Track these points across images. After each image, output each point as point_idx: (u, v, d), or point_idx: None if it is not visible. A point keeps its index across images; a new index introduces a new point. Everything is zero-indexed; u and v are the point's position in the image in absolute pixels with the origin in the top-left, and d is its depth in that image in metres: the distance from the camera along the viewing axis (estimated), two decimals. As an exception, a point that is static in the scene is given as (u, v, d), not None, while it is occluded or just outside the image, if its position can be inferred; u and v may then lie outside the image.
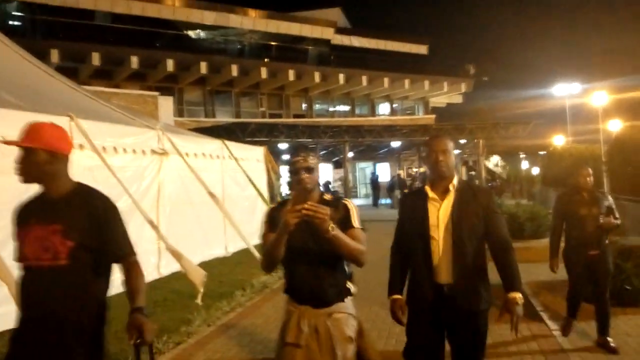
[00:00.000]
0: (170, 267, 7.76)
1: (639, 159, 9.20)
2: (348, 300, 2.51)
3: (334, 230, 2.22)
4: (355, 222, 2.44)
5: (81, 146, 6.41)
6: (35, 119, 5.95)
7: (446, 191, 2.68)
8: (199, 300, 6.03)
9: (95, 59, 27.01)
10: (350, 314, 2.48)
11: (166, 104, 21.33)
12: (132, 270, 2.23)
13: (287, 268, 2.51)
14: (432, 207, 2.69)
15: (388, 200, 26.77)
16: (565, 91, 29.91)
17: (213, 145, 10.17)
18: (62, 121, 6.29)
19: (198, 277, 6.19)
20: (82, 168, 6.45)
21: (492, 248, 2.67)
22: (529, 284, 6.70)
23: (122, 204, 7.00)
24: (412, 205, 2.78)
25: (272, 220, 2.45)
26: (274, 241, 2.31)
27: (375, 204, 27.01)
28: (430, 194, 2.72)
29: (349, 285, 2.52)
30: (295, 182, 2.43)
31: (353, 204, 2.54)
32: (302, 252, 2.40)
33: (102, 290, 2.27)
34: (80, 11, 28.03)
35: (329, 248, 2.32)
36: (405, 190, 25.15)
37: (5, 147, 4.76)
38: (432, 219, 2.66)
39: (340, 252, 2.33)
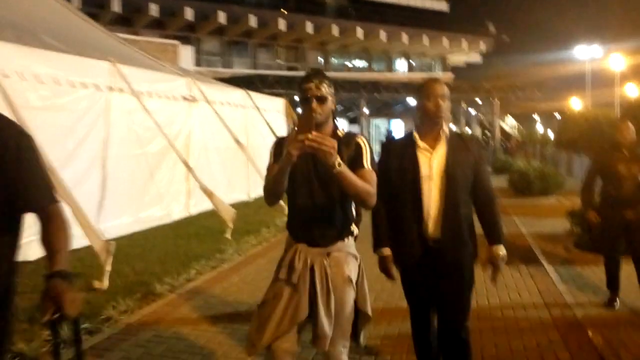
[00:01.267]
0: (199, 206, 8.32)
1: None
2: (349, 240, 2.29)
3: (341, 166, 1.98)
4: (367, 162, 2.19)
5: (121, 89, 6.85)
6: (79, 62, 6.39)
7: (437, 140, 2.51)
8: (228, 235, 6.58)
9: (115, 5, 27.13)
10: (350, 253, 2.28)
11: (186, 53, 21.51)
12: (51, 222, 1.71)
13: (289, 202, 2.30)
14: (422, 157, 2.51)
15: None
16: (585, 54, 29.58)
17: (237, 94, 10.57)
18: (103, 65, 6.74)
19: (228, 214, 6.73)
20: (120, 110, 6.94)
21: (478, 200, 2.56)
22: (532, 234, 7.17)
23: (156, 146, 7.54)
24: (399, 154, 2.55)
25: (278, 152, 2.21)
26: (276, 173, 2.09)
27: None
28: (420, 142, 2.52)
29: (352, 227, 2.32)
30: (304, 111, 2.14)
31: (367, 142, 2.26)
32: (304, 187, 2.21)
33: (11, 248, 1.75)
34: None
35: (336, 186, 2.13)
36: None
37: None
38: (423, 170, 2.49)
39: (346, 191, 2.09)
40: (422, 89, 2.52)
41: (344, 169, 2.00)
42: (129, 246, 6.00)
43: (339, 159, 1.97)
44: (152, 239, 6.60)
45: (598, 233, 4.53)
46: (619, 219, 4.18)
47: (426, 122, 2.52)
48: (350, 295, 2.24)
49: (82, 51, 6.84)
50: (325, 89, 2.17)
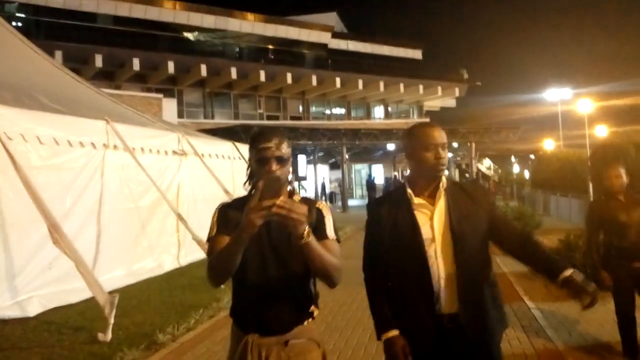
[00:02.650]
0: (189, 257, 8.50)
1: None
2: (309, 323, 1.95)
3: (309, 237, 1.71)
4: (330, 230, 1.93)
5: (115, 146, 7.14)
6: (77, 122, 6.68)
7: (434, 194, 2.11)
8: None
9: (98, 60, 27.67)
10: (312, 339, 1.96)
11: (170, 106, 22.02)
12: None
13: (234, 281, 1.92)
14: (421, 216, 2.08)
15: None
16: (556, 96, 30.84)
17: (225, 146, 10.91)
18: (99, 124, 7.05)
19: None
20: (115, 166, 7.21)
21: (514, 246, 2.15)
22: (513, 273, 7.50)
23: (148, 199, 7.78)
24: (392, 215, 2.12)
25: (225, 220, 1.91)
26: (231, 246, 1.74)
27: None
28: (416, 199, 2.11)
29: (312, 308, 1.98)
30: (266, 174, 1.85)
31: (328, 208, 2.01)
32: (256, 261, 1.86)
33: None
34: (83, 13, 28.79)
35: (295, 260, 1.84)
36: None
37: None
38: (425, 232, 2.06)
39: (312, 265, 1.80)
40: (415, 136, 2.12)
41: (312, 239, 1.73)
42: (125, 299, 6.11)
43: (307, 228, 1.71)
44: (146, 290, 6.74)
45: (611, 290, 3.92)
46: (628, 272, 3.77)
47: (423, 174, 2.12)
48: None
49: (78, 111, 7.15)
50: (286, 149, 1.93)
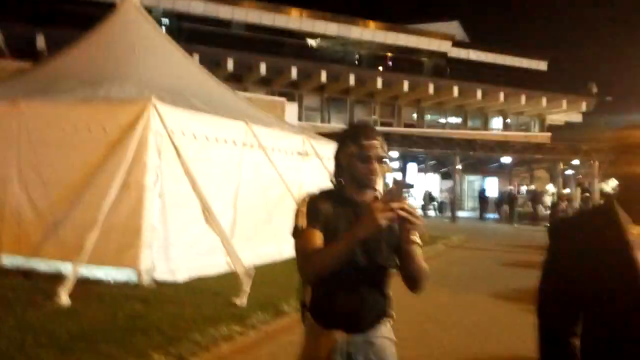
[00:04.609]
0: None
1: None
2: (388, 324, 1.98)
3: (417, 240, 1.78)
4: (417, 236, 1.87)
5: (252, 145, 8.20)
6: (222, 122, 7.77)
7: None
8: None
9: (230, 64, 30.08)
10: (391, 339, 1.97)
11: (291, 109, 23.48)
12: None
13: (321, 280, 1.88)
14: None
15: (494, 215, 27.38)
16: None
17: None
18: (239, 125, 8.14)
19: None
20: (250, 162, 8.26)
21: None
22: None
23: (276, 193, 8.76)
24: (591, 248, 1.49)
25: (315, 213, 1.87)
26: (346, 244, 1.74)
27: (481, 217, 27.49)
28: (635, 227, 1.46)
29: (390, 309, 2.00)
30: (362, 171, 1.88)
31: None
32: (349, 263, 1.81)
33: None
34: (219, 20, 31.54)
35: (382, 260, 1.88)
36: (518, 208, 25.38)
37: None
38: None
39: (409, 267, 1.85)
40: (621, 140, 1.53)
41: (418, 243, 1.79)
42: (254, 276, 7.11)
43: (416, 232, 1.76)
44: (270, 271, 7.69)
45: None
46: None
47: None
48: None
49: (222, 112, 8.29)
50: (386, 150, 1.94)
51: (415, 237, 1.85)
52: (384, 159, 1.92)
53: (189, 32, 29.76)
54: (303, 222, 1.88)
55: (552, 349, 1.58)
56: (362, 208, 1.84)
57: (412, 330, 5.00)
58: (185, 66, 10.62)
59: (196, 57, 27.98)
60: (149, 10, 30.19)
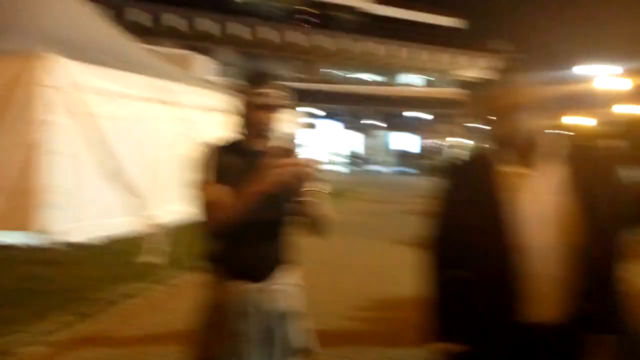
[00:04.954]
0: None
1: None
2: (291, 271, 2.00)
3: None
4: (318, 184, 1.88)
5: (164, 102, 7.98)
6: (133, 78, 7.41)
7: (543, 160, 1.55)
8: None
9: (133, 13, 28.32)
10: (295, 285, 2.00)
11: (206, 64, 22.70)
12: None
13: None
14: (518, 192, 1.53)
15: (412, 170, 28.51)
16: (590, 72, 30.25)
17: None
18: (151, 81, 7.87)
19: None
20: (163, 120, 8.05)
21: None
22: None
23: (189, 150, 8.64)
24: (472, 187, 1.60)
25: (214, 164, 1.85)
26: (243, 197, 1.76)
27: (399, 171, 28.55)
28: (513, 168, 1.55)
29: (292, 256, 2.01)
30: (260, 120, 1.87)
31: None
32: (249, 214, 1.79)
33: None
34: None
35: (286, 207, 1.88)
36: (432, 161, 26.52)
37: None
38: (521, 213, 1.50)
39: (312, 217, 1.89)
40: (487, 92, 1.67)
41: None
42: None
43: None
44: (183, 229, 7.63)
45: None
46: None
47: (509, 139, 1.57)
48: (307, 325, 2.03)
49: (133, 68, 7.96)
50: (284, 98, 1.94)
51: (317, 186, 1.85)
52: (281, 107, 1.91)
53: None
54: (203, 174, 1.86)
55: (442, 283, 1.65)
56: (263, 157, 1.81)
57: (318, 277, 5.22)
58: (87, 17, 9.99)
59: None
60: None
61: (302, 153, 1.77)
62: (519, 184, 1.53)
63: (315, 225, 1.94)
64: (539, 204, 1.50)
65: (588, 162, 1.55)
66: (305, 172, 1.76)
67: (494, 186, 1.54)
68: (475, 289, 1.56)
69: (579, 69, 29.76)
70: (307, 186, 1.80)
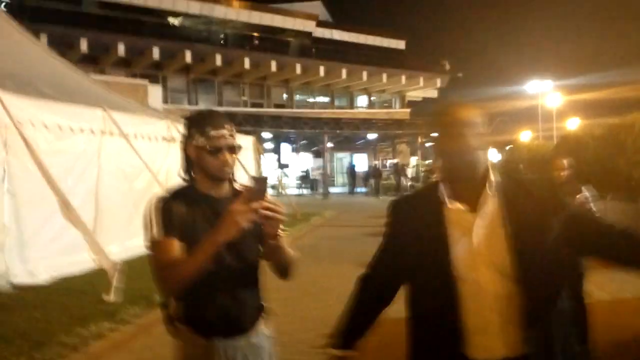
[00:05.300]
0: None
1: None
2: (265, 320, 1.88)
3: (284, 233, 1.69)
4: (281, 226, 1.74)
5: (111, 133, 7.79)
6: (77, 110, 7.29)
7: (480, 195, 1.54)
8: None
9: (83, 44, 27.95)
10: (270, 337, 1.89)
11: (155, 92, 22.43)
12: None
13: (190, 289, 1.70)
14: (456, 227, 1.53)
15: (363, 189, 28.84)
16: (536, 89, 31.78)
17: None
18: (97, 112, 7.68)
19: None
20: (111, 151, 7.86)
21: (616, 251, 1.51)
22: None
23: (141, 182, 8.45)
24: (416, 223, 1.60)
25: (169, 219, 1.69)
26: (205, 252, 1.61)
27: (351, 192, 28.80)
28: (451, 203, 1.55)
29: (264, 302, 1.89)
30: (214, 164, 1.72)
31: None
32: (214, 262, 1.66)
33: None
34: (68, -4, 29.02)
35: (251, 254, 1.78)
36: (383, 181, 26.92)
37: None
38: (458, 248, 1.51)
39: (279, 260, 1.80)
40: (436, 118, 1.60)
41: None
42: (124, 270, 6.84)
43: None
44: (139, 264, 7.41)
45: None
46: None
47: (462, 169, 1.55)
48: None
49: (77, 99, 7.77)
50: (236, 137, 1.80)
51: (281, 229, 1.72)
52: (236, 148, 1.78)
53: (33, 10, 27.03)
54: (156, 232, 1.69)
55: (359, 290, 1.77)
56: (220, 204, 1.72)
57: (287, 307, 5.18)
58: (30, 49, 9.73)
59: (44, 38, 25.63)
60: (-15, -15, 27.02)
61: (266, 193, 1.64)
62: (458, 218, 1.54)
63: (281, 268, 1.86)
64: (476, 237, 1.51)
65: (518, 195, 1.55)
66: (273, 215, 1.63)
67: (435, 221, 1.54)
68: (419, 324, 1.59)
69: (525, 85, 31.21)
70: (273, 229, 1.67)
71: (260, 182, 1.64)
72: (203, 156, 1.74)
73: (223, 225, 1.60)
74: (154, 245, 1.70)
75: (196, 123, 1.77)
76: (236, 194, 1.76)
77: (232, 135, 1.77)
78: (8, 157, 5.99)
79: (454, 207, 1.54)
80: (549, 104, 21.72)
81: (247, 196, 1.60)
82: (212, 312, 1.74)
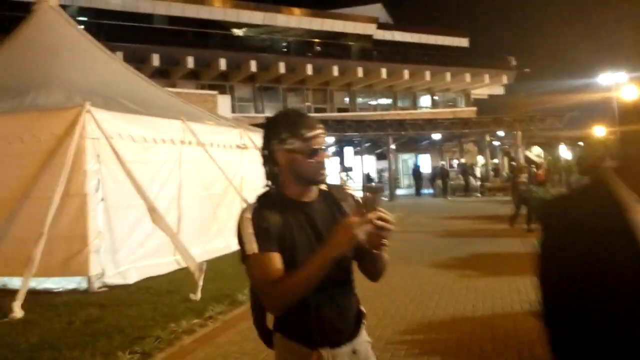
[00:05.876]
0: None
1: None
2: (364, 325, 1.82)
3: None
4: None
5: (190, 142, 8.27)
6: (159, 122, 7.80)
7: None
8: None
9: (155, 59, 29.41)
10: (370, 342, 1.84)
11: (224, 102, 23.35)
12: None
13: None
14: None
15: (430, 190, 28.54)
16: (609, 80, 30.22)
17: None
18: (176, 124, 8.19)
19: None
20: (190, 159, 8.34)
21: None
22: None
23: (218, 188, 8.89)
24: (591, 234, 1.11)
25: (265, 230, 1.60)
26: (316, 268, 1.50)
27: (417, 193, 28.57)
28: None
29: (361, 306, 1.85)
30: (315, 167, 1.65)
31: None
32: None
33: None
34: (140, 15, 30.69)
35: (347, 260, 1.69)
36: (449, 181, 26.52)
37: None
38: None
39: (377, 266, 1.73)
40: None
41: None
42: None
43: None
44: (219, 265, 7.85)
45: None
46: None
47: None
48: None
49: (157, 112, 8.30)
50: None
51: (386, 239, 1.58)
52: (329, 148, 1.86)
53: (109, 29, 28.72)
54: (253, 246, 1.57)
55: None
56: (312, 209, 1.66)
57: (364, 306, 5.38)
58: (111, 66, 10.45)
59: (120, 54, 27.19)
60: (64, 8, 29.10)
61: (380, 202, 1.53)
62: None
63: (376, 273, 1.77)
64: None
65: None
66: (385, 226, 1.50)
67: (624, 229, 1.10)
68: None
69: (597, 78, 29.82)
70: (381, 239, 1.54)
71: (375, 191, 1.55)
72: (297, 160, 1.64)
73: (336, 239, 1.48)
74: (254, 260, 1.58)
75: (286, 126, 1.66)
76: (325, 196, 1.71)
77: (325, 135, 1.69)
78: (101, 168, 6.53)
79: None
80: (625, 96, 20.63)
81: (363, 206, 1.52)
82: (317, 322, 1.64)
